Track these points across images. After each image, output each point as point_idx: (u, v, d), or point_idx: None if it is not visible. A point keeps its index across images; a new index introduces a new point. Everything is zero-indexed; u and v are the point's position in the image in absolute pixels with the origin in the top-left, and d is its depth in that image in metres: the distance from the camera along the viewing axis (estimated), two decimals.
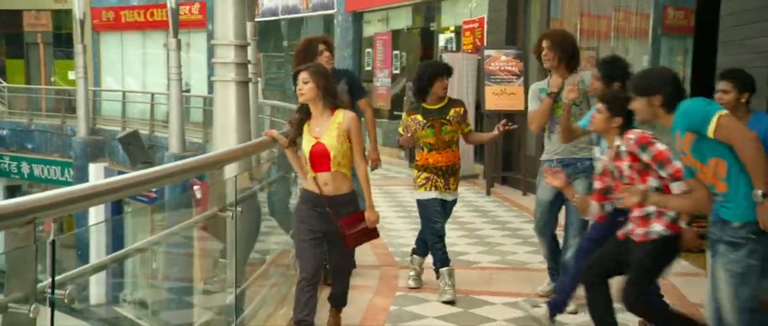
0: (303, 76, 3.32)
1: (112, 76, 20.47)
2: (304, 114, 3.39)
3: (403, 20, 12.85)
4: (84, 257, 13.32)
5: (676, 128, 2.67)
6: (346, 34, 14.00)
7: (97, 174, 15.17)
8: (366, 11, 13.75)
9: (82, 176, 15.25)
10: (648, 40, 6.58)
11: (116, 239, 12.33)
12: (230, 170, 3.86)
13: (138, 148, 13.82)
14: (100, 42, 20.46)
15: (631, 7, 7.13)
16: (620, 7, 7.28)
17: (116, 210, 13.51)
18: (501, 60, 8.62)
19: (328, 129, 3.32)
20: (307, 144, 3.36)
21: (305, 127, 3.37)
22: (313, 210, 3.37)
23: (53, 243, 1.63)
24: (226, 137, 4.44)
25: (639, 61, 6.68)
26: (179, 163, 3.25)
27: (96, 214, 12.68)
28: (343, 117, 3.34)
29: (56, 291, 1.65)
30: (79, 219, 14.16)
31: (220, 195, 3.53)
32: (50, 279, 1.63)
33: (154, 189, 13.09)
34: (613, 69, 3.60)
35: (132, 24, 19.63)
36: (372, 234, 3.46)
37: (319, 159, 3.32)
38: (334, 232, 3.37)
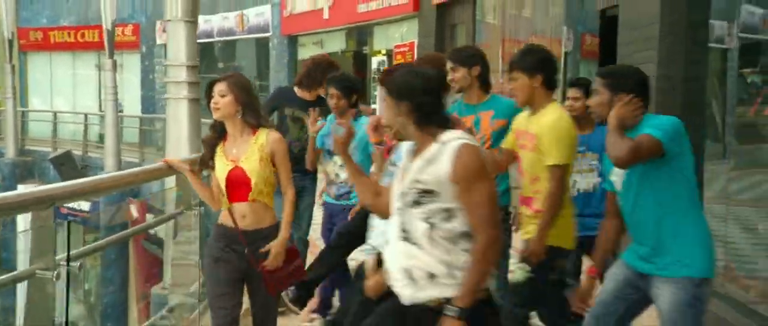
0: (220, 87, 2.81)
1: (39, 96, 20.13)
2: (219, 133, 2.88)
3: (337, 43, 13.40)
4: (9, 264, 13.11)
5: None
6: (281, 56, 14.43)
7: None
8: (301, 35, 14.23)
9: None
10: (558, 60, 7.33)
11: None
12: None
13: (71, 168, 13.75)
14: (27, 62, 20.12)
15: (546, 33, 7.87)
16: (536, 33, 8.02)
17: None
18: None
19: (247, 151, 2.83)
20: (222, 168, 2.84)
21: (219, 149, 2.87)
22: (229, 250, 2.85)
23: (69, 223, 2.02)
24: (179, 151, 4.81)
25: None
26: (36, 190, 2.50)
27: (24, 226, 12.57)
28: (266, 137, 2.84)
29: (71, 263, 2.05)
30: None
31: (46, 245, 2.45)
32: (66, 253, 2.02)
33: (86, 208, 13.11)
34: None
35: (62, 44, 19.44)
36: (299, 272, 2.97)
37: (237, 186, 2.82)
38: (256, 274, 2.85)
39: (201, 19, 15.81)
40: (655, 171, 2.41)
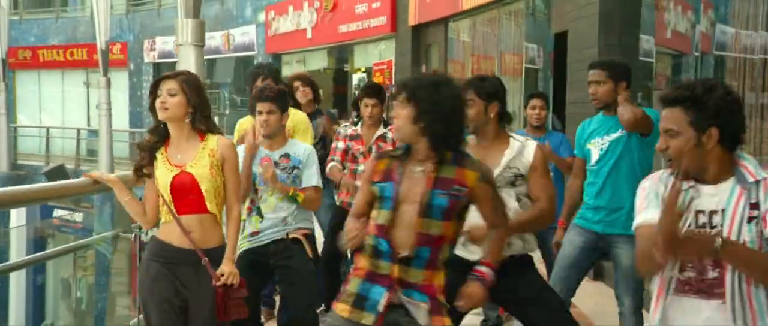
0: (169, 85, 2.50)
1: (26, 113, 20.64)
2: (160, 137, 2.56)
3: (319, 61, 14.21)
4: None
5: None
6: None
7: (18, 210, 15.48)
8: (284, 53, 15.04)
9: (3, 212, 15.49)
10: (521, 77, 8.20)
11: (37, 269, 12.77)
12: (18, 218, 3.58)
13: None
14: (15, 80, 20.63)
15: (509, 49, 8.76)
16: (502, 50, 8.91)
17: (39, 244, 13.93)
18: None
19: (195, 156, 2.53)
20: (164, 175, 2.51)
21: (159, 155, 2.55)
22: (169, 268, 2.51)
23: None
24: None
25: (517, 95, 8.28)
26: None
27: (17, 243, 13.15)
28: (216, 143, 2.56)
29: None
30: None
31: None
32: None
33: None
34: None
35: (50, 63, 20.02)
36: (243, 308, 2.59)
37: (184, 194, 2.50)
38: (198, 299, 2.51)
39: None
40: (637, 146, 3.10)
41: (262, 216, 3.13)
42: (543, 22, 7.81)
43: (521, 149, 2.64)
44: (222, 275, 2.49)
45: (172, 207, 2.50)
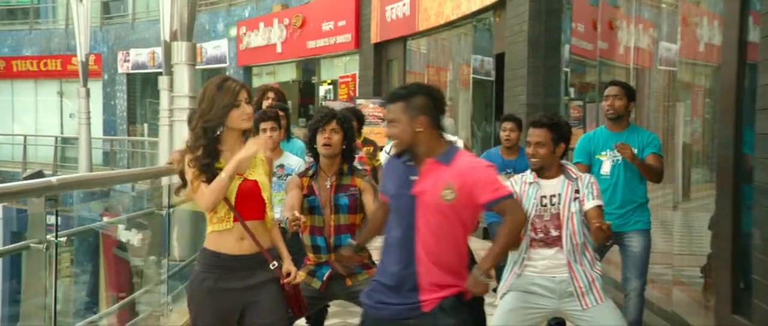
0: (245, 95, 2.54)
1: None
2: (214, 146, 2.51)
3: (288, 74, 15.20)
4: None
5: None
6: None
7: None
8: (255, 66, 15.99)
9: None
10: (469, 88, 9.33)
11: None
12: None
13: None
14: None
15: (460, 61, 9.89)
16: (457, 63, 10.05)
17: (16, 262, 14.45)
18: (370, 107, 11.17)
19: (251, 165, 2.57)
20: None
21: (217, 165, 2.53)
22: (226, 279, 2.53)
23: (57, 212, 3.05)
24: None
25: (467, 105, 9.41)
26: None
27: None
28: (262, 153, 2.64)
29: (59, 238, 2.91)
30: None
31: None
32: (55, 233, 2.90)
33: None
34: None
35: (24, 73, 20.57)
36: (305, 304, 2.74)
37: (249, 202, 2.53)
38: (272, 299, 2.56)
39: (160, 51, 17.36)
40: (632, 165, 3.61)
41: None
42: (489, 40, 8.95)
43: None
44: (288, 274, 2.56)
45: (236, 214, 2.49)
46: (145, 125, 18.81)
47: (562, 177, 2.93)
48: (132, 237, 11.87)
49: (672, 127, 4.59)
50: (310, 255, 3.12)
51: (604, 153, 3.69)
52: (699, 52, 4.24)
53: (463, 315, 2.44)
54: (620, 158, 3.59)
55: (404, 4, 10.40)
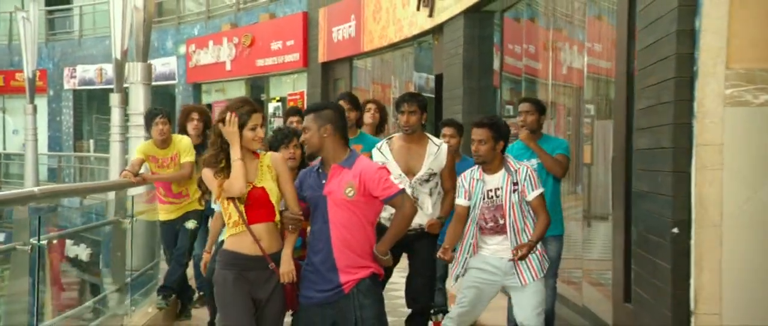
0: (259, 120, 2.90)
1: None
2: (225, 156, 2.89)
3: (237, 91, 15.52)
4: None
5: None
6: (186, 101, 16.34)
7: None
8: (204, 83, 16.26)
9: None
10: None
11: None
12: None
13: None
14: None
15: (405, 78, 10.47)
16: (403, 79, 10.61)
17: None
18: None
19: (259, 173, 2.92)
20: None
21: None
22: (243, 274, 2.90)
23: (40, 218, 3.29)
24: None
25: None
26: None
27: None
28: (270, 159, 2.98)
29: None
30: None
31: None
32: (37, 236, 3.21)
33: None
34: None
35: None
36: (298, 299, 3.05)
37: (257, 207, 2.89)
38: (266, 300, 2.95)
39: (108, 67, 17.42)
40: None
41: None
42: (432, 60, 9.54)
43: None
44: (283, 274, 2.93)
45: (245, 218, 2.85)
46: (92, 141, 18.77)
47: (502, 171, 3.42)
48: (80, 252, 12.02)
49: (579, 139, 5.21)
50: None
51: (529, 161, 3.97)
52: (601, 69, 4.86)
53: (377, 295, 3.01)
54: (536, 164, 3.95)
55: (350, 26, 10.94)
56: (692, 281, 2.96)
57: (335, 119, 2.98)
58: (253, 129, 2.86)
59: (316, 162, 3.14)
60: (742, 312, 2.93)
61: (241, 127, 2.84)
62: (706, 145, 2.94)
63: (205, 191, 3.02)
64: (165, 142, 4.82)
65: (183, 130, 5.02)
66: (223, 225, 3.57)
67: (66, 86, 19.10)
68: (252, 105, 2.93)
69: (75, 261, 12.25)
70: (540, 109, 4.13)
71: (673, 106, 3.06)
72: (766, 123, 2.90)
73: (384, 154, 3.66)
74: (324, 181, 2.99)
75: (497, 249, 3.42)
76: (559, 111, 5.93)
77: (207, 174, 2.91)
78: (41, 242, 3.17)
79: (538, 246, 3.40)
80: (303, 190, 3.04)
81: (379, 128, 4.92)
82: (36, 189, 3.32)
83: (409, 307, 3.80)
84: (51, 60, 19.30)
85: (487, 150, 3.39)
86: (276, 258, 2.91)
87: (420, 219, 3.52)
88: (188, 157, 4.76)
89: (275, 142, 3.42)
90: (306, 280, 2.99)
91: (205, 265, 3.72)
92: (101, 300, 5.05)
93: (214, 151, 2.90)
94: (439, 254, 3.48)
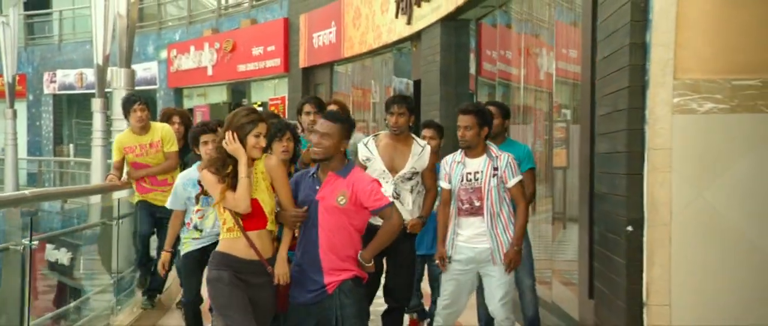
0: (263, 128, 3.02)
1: None
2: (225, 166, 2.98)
3: (219, 95, 15.63)
4: None
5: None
6: (167, 105, 16.43)
7: None
8: (186, 87, 16.35)
9: None
10: None
11: None
12: None
13: None
14: None
15: (385, 83, 10.67)
16: (383, 84, 10.81)
17: None
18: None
19: (254, 182, 3.00)
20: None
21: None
22: (238, 275, 3.00)
23: (31, 219, 3.55)
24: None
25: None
26: None
27: None
28: (264, 165, 3.04)
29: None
30: None
31: None
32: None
33: None
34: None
35: None
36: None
37: (251, 216, 3.00)
38: (266, 296, 3.07)
39: (89, 72, 17.43)
40: None
41: (201, 231, 3.87)
42: (409, 65, 9.76)
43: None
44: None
45: (241, 225, 2.97)
46: (72, 145, 18.75)
47: (484, 156, 3.61)
48: (61, 257, 12.04)
49: (551, 144, 5.45)
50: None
51: None
52: (569, 73, 5.10)
53: (359, 295, 3.18)
54: None
55: (330, 32, 11.14)
56: (644, 275, 3.19)
57: (349, 135, 3.19)
58: (257, 136, 2.95)
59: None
60: (690, 303, 3.16)
61: (246, 134, 2.93)
62: (656, 150, 3.17)
63: (204, 192, 3.10)
64: (144, 129, 4.81)
65: None
66: (183, 224, 3.83)
67: (46, 91, 19.07)
68: (258, 114, 3.03)
69: (55, 266, 12.27)
70: (504, 112, 4.21)
71: (627, 113, 3.29)
72: (710, 129, 3.13)
73: (370, 149, 3.77)
74: (318, 187, 3.15)
75: (472, 234, 3.58)
76: (534, 115, 6.17)
77: (208, 178, 2.98)
78: (33, 243, 3.32)
79: (511, 229, 3.56)
80: (297, 192, 3.16)
81: None
82: (27, 191, 3.47)
83: (387, 304, 3.94)
84: (30, 64, 19.26)
85: (472, 135, 3.59)
86: (270, 261, 3.04)
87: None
88: (173, 146, 4.77)
89: (271, 136, 3.38)
90: (294, 281, 3.14)
91: (164, 265, 3.82)
92: (85, 302, 5.20)
93: (219, 156, 2.97)
94: (437, 261, 3.65)
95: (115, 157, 4.95)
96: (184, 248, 3.92)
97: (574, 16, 5.17)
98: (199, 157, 3.82)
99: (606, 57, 3.67)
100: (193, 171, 3.75)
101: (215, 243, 3.55)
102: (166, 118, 5.12)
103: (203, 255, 3.77)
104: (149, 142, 4.82)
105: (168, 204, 3.85)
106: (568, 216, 5.22)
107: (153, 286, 5.03)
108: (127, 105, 4.86)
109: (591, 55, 4.23)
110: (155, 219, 4.85)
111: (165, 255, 3.83)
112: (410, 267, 3.89)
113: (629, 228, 3.26)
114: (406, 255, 3.80)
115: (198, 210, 3.77)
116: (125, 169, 4.92)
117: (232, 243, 3.00)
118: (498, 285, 3.60)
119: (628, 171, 3.30)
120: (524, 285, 4.07)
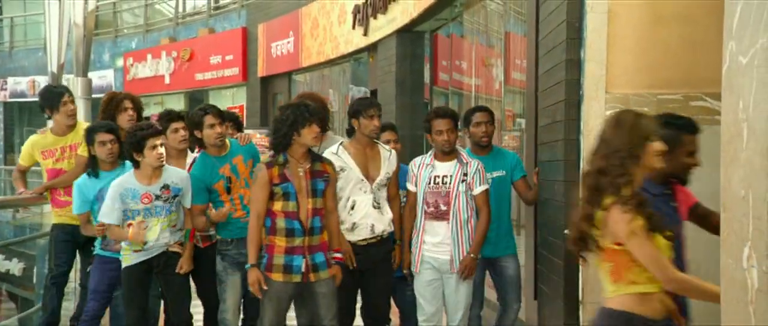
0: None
1: None
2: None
3: (176, 104, 15.54)
4: None
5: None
6: None
7: None
8: (143, 96, 16.19)
9: None
10: None
11: None
12: None
13: None
14: None
15: (344, 91, 10.83)
16: (343, 93, 10.97)
17: None
18: (256, 137, 11.85)
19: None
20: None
21: None
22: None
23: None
24: None
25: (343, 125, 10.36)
26: None
27: None
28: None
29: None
30: None
31: None
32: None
33: None
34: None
35: None
36: None
37: None
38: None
39: (42, 79, 17.14)
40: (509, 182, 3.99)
41: (144, 243, 3.64)
42: (367, 74, 9.94)
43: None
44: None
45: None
46: None
47: (455, 160, 3.63)
48: (12, 267, 11.82)
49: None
50: (282, 241, 3.32)
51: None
52: (518, 82, 5.35)
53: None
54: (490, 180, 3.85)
55: (288, 42, 11.27)
56: (580, 275, 3.42)
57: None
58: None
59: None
60: None
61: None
62: None
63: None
64: (71, 127, 4.14)
65: (112, 121, 4.08)
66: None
67: None
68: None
69: (5, 276, 12.03)
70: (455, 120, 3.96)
71: (564, 124, 3.53)
72: None
73: (343, 157, 3.61)
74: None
75: (436, 242, 3.58)
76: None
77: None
78: None
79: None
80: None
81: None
82: None
83: (365, 324, 3.83)
84: None
85: (455, 138, 3.63)
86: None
87: (383, 225, 3.63)
88: (86, 149, 3.88)
89: (293, 123, 3.31)
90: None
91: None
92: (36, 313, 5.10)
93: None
94: (404, 268, 3.68)
95: (25, 163, 4.25)
96: (125, 261, 3.67)
97: (525, 28, 5.44)
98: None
99: (547, 71, 3.91)
100: (129, 179, 3.57)
101: (159, 255, 3.66)
102: (116, 104, 4.17)
103: (148, 268, 3.65)
104: (71, 143, 4.14)
105: (100, 217, 3.57)
106: (521, 223, 5.45)
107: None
108: (54, 97, 4.03)
109: (535, 69, 4.48)
110: (77, 245, 4.14)
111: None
112: (388, 291, 3.83)
113: (566, 231, 3.48)
114: (384, 281, 3.73)
115: (141, 222, 3.55)
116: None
117: None
118: (454, 295, 3.61)
119: (565, 178, 3.53)
120: (512, 309, 3.96)
